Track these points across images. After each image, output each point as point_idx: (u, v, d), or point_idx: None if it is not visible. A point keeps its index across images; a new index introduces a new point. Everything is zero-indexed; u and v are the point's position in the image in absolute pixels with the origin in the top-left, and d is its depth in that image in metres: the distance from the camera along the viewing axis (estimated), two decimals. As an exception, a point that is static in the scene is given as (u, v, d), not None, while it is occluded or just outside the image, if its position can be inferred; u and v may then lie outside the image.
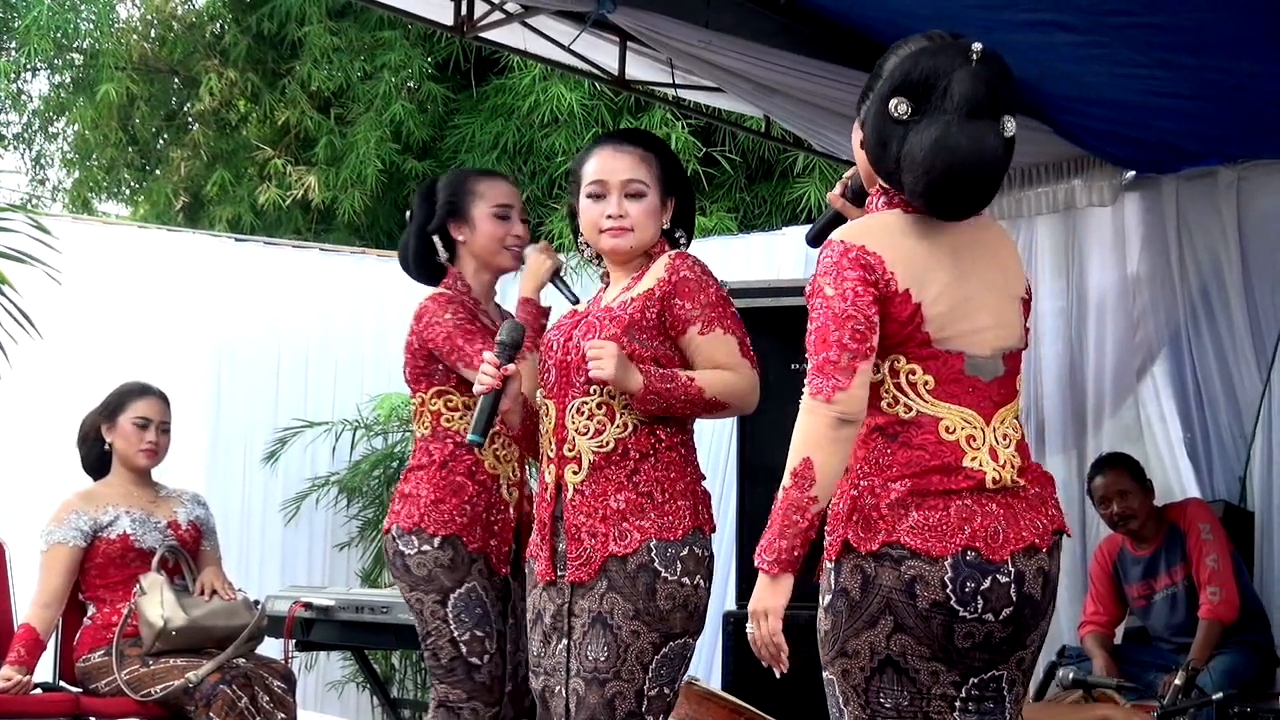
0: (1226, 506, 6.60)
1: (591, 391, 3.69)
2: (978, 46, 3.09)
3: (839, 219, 3.52)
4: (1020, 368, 3.22)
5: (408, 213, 4.70)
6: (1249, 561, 6.46)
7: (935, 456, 3.02)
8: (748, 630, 3.07)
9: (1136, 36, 5.34)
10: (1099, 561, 6.49)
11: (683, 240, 3.92)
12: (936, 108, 3.03)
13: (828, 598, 3.06)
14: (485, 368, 3.77)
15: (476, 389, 3.80)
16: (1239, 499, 6.70)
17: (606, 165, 3.83)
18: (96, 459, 5.78)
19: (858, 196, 3.41)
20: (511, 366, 3.78)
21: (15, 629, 5.57)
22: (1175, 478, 6.87)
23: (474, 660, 4.30)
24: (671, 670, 3.66)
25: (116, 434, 5.71)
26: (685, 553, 3.63)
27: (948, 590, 2.96)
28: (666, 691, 3.65)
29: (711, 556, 3.72)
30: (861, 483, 3.04)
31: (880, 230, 3.09)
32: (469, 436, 3.81)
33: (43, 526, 5.60)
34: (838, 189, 3.51)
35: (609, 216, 3.80)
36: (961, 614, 2.98)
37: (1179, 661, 6.00)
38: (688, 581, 3.63)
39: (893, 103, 3.05)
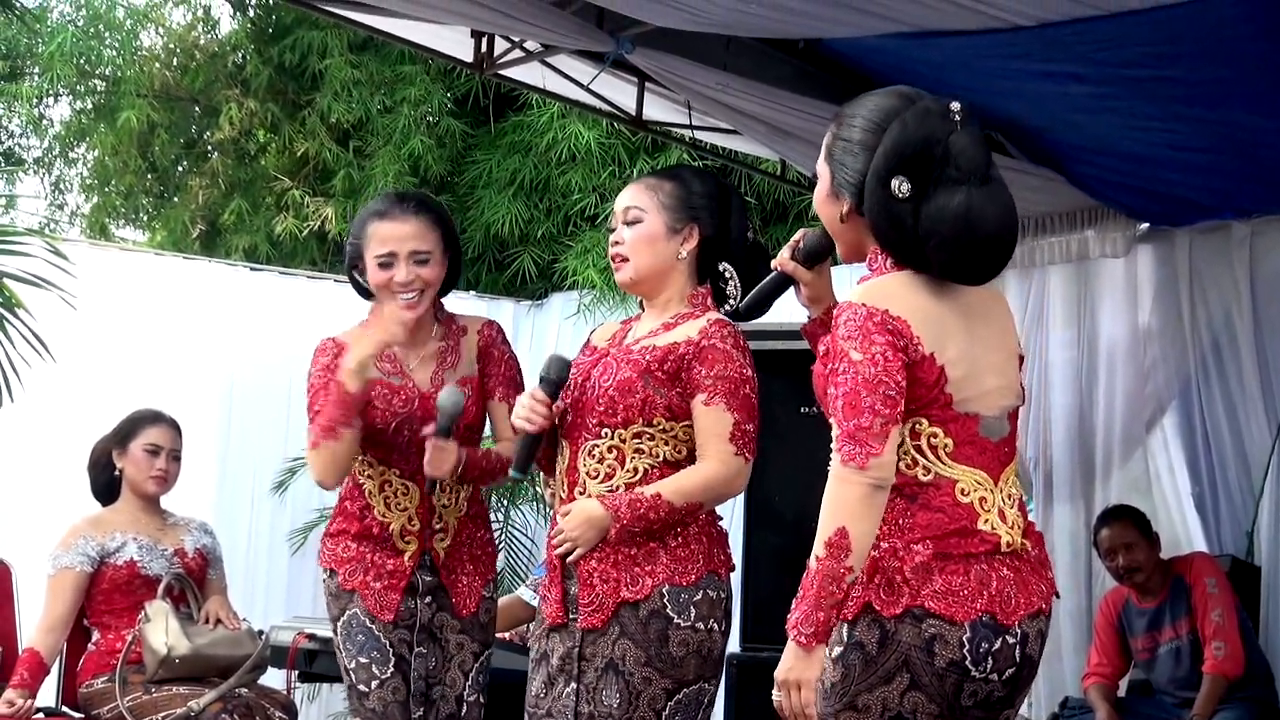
0: (1233, 561, 6.58)
1: (603, 435, 3.68)
2: (957, 106, 3.10)
3: (783, 286, 3.50)
4: (1017, 424, 3.22)
5: None
6: (1255, 617, 6.44)
7: (953, 519, 3.01)
8: (775, 698, 3.02)
9: (1151, 90, 5.36)
10: (1104, 613, 6.47)
11: (729, 275, 3.81)
12: (944, 178, 3.03)
13: (838, 650, 3.01)
14: (535, 406, 3.75)
15: (519, 424, 3.77)
16: (1246, 553, 6.68)
17: (618, 199, 3.88)
18: (106, 484, 5.79)
19: (810, 258, 3.39)
20: (559, 404, 3.77)
21: (20, 652, 5.57)
22: (1183, 531, 6.86)
23: (361, 688, 4.24)
24: (687, 716, 3.63)
25: (127, 460, 5.72)
26: (699, 597, 3.62)
27: (964, 650, 2.95)
28: None
29: (728, 598, 3.70)
30: (883, 544, 3.00)
31: (902, 292, 3.05)
32: (511, 471, 3.86)
33: (50, 550, 5.61)
34: (786, 253, 3.43)
35: (611, 244, 3.85)
36: (973, 673, 2.97)
37: (1182, 716, 6.00)
38: (701, 627, 3.61)
39: (894, 183, 3.02)
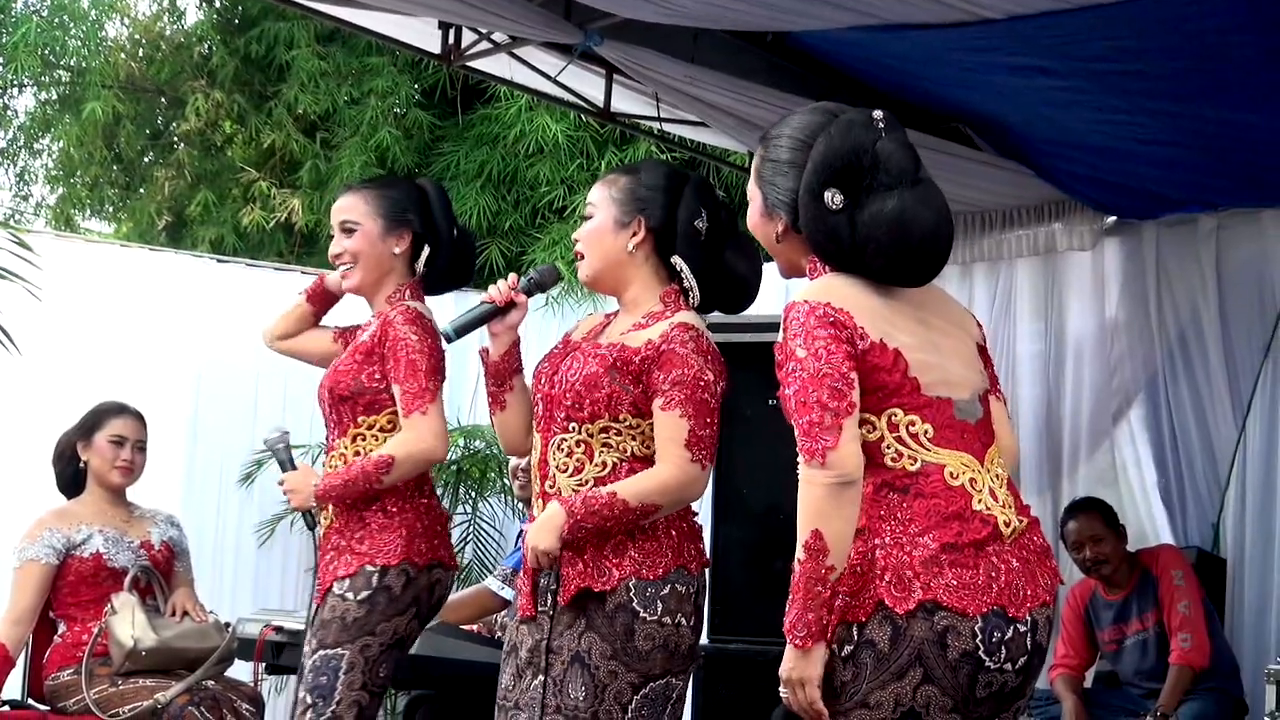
0: (1199, 553, 6.61)
1: (570, 429, 3.67)
2: (879, 114, 3.14)
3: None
4: (991, 407, 3.24)
5: None
6: (1220, 609, 6.47)
7: (949, 502, 3.02)
8: (783, 694, 3.03)
9: (1118, 83, 5.38)
10: (1071, 605, 6.49)
11: (679, 267, 3.76)
12: (875, 185, 3.06)
13: (848, 648, 3.00)
14: (504, 286, 3.81)
15: (483, 296, 3.82)
16: (1212, 546, 6.71)
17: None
18: (71, 477, 5.77)
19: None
20: (523, 297, 3.82)
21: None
22: (1149, 523, 6.88)
23: None
24: (654, 710, 3.61)
25: (92, 452, 5.70)
26: (666, 591, 3.59)
27: (977, 640, 2.96)
28: None
29: (698, 593, 3.67)
30: (887, 540, 3.00)
31: (842, 287, 3.08)
32: (443, 327, 3.86)
33: (16, 543, 5.58)
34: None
35: (574, 242, 3.89)
36: (987, 664, 2.97)
37: (1148, 707, 6.02)
38: (669, 621, 3.59)
39: (827, 196, 3.06)
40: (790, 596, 2.98)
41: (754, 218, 3.25)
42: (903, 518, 3.01)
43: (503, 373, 3.87)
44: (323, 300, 4.64)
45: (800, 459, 2.97)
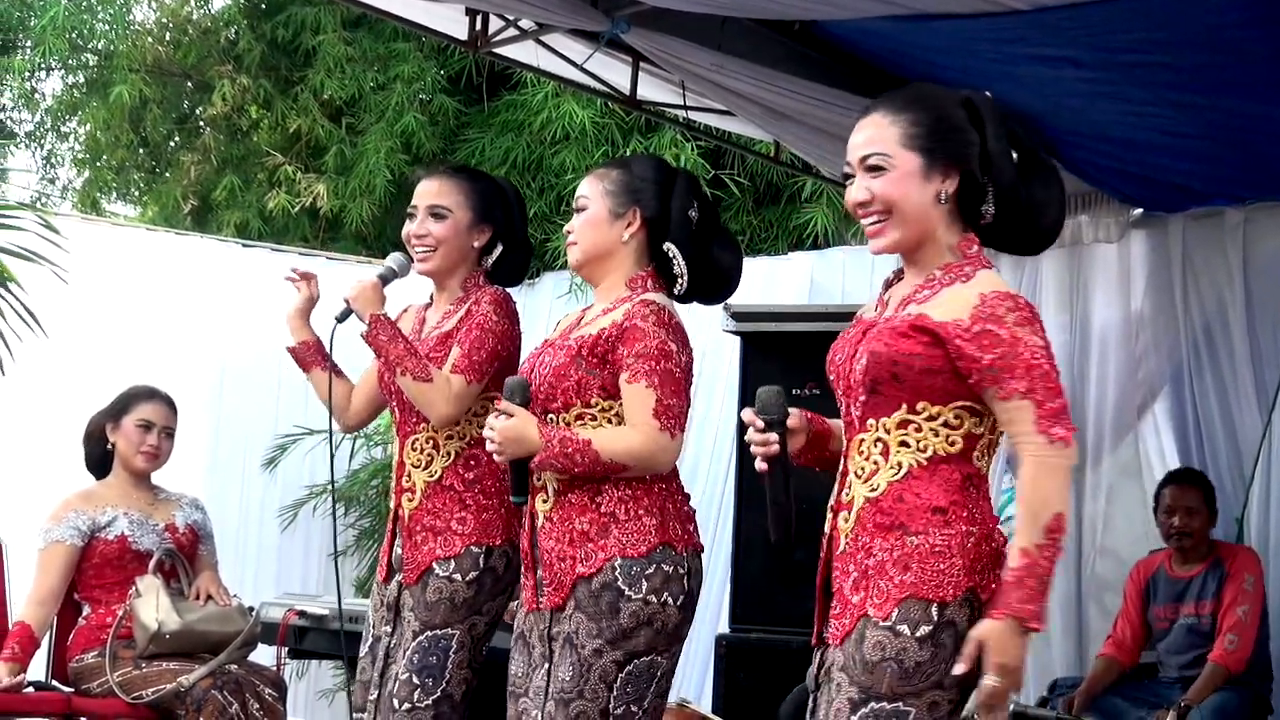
0: (1223, 546, 6.61)
1: (548, 419, 3.75)
2: (988, 95, 3.21)
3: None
4: None
5: None
6: (1244, 601, 6.47)
7: (990, 504, 3.12)
8: (992, 682, 2.98)
9: (1145, 76, 5.36)
10: (1134, 580, 6.49)
11: (671, 255, 3.84)
12: (1024, 159, 3.15)
13: (925, 628, 3.00)
14: (491, 425, 3.78)
15: (491, 448, 3.77)
16: (1236, 538, 6.68)
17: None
18: (99, 458, 5.80)
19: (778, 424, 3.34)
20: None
21: (10, 627, 5.57)
22: (1173, 516, 6.86)
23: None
24: (638, 688, 3.65)
25: (120, 435, 5.72)
26: (651, 570, 3.64)
27: None
28: (634, 710, 3.66)
29: (689, 574, 3.71)
30: (972, 529, 3.05)
31: None
32: (511, 499, 3.86)
33: (41, 524, 5.61)
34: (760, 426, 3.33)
35: (565, 234, 3.94)
36: None
37: (1171, 698, 6.02)
38: (654, 600, 3.63)
39: (1013, 155, 3.13)
40: (1032, 587, 2.96)
41: (902, 182, 3.15)
42: (980, 515, 3.07)
43: None
44: (313, 352, 4.65)
45: (1039, 440, 3.00)
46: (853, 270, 8.13)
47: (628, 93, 6.49)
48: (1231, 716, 5.98)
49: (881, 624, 3.00)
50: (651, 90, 6.63)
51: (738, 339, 6.65)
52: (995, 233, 3.20)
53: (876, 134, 3.17)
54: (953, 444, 3.08)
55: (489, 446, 3.73)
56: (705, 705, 6.41)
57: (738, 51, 5.90)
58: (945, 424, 3.08)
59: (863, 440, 3.15)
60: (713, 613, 7.41)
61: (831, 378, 3.28)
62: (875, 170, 3.15)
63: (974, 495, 3.08)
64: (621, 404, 3.71)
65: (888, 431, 3.10)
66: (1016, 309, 3.03)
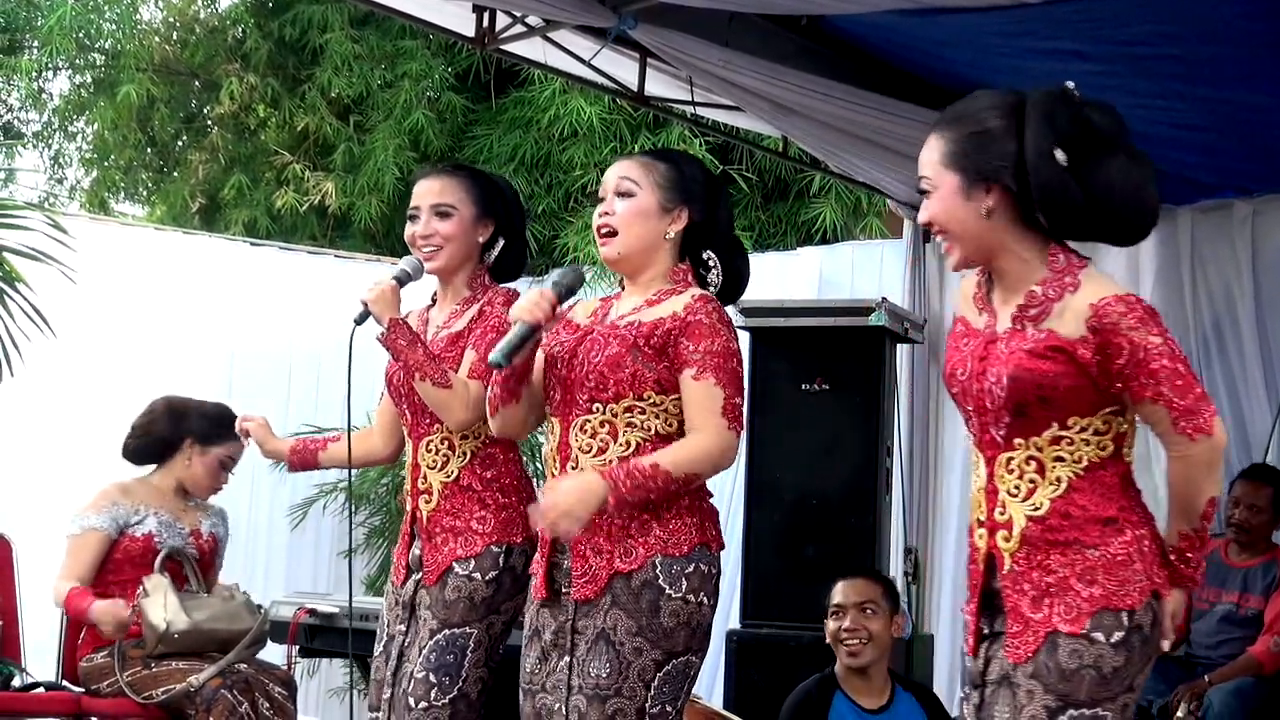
0: (1232, 541, 6.59)
1: (594, 410, 3.67)
2: (1071, 84, 3.16)
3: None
4: None
5: None
6: (1254, 597, 6.46)
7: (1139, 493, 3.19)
8: (1165, 646, 3.17)
9: (1153, 68, 5.36)
10: None
11: (712, 263, 3.82)
12: (1093, 147, 3.09)
13: (1118, 634, 3.06)
14: (541, 301, 3.70)
15: (518, 314, 3.70)
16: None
17: (607, 174, 3.86)
18: (150, 451, 5.76)
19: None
20: (563, 308, 3.78)
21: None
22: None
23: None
24: (674, 688, 3.63)
25: (200, 460, 5.69)
26: (691, 569, 3.60)
27: None
28: (669, 709, 3.63)
29: (718, 574, 3.69)
30: (1142, 531, 3.13)
31: None
32: (491, 355, 3.73)
33: (75, 511, 5.57)
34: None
35: (599, 215, 3.80)
36: None
37: (1189, 678, 6.03)
38: (692, 599, 3.60)
39: (1057, 154, 3.06)
40: (1189, 554, 3.16)
41: (945, 201, 3.16)
42: (1143, 508, 3.16)
43: (524, 372, 3.85)
44: (305, 451, 4.60)
45: (1197, 428, 3.07)
46: (861, 265, 8.12)
47: (635, 89, 6.48)
48: (1249, 701, 5.97)
49: (1076, 635, 3.07)
50: (659, 86, 6.62)
51: (747, 334, 6.64)
52: (1085, 227, 3.18)
53: (925, 155, 3.18)
54: (1104, 449, 3.13)
55: (554, 525, 3.57)
56: (717, 701, 6.40)
57: (745, 47, 5.89)
58: (1095, 431, 3.12)
59: (1011, 459, 3.16)
60: (724, 609, 7.39)
61: (954, 391, 3.29)
62: (927, 193, 3.18)
63: (1133, 493, 3.16)
64: (674, 399, 3.66)
65: (1040, 450, 3.14)
66: (1129, 311, 3.05)
